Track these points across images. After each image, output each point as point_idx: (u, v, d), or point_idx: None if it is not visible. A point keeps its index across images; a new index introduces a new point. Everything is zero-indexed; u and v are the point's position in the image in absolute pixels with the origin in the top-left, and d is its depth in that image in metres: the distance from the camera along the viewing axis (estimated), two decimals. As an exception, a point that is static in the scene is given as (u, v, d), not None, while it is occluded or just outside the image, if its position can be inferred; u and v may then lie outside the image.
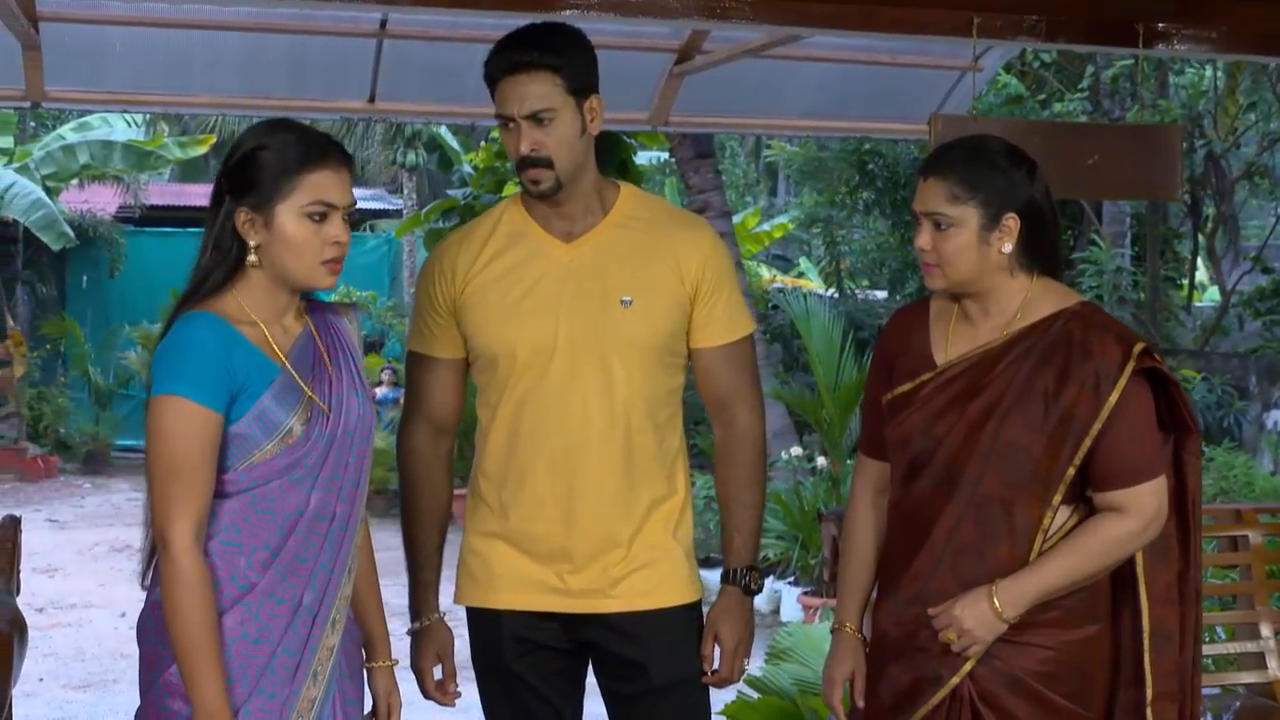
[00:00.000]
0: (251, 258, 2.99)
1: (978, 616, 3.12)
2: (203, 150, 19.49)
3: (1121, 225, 15.46)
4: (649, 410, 3.44)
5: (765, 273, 21.60)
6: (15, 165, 17.04)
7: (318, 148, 3.00)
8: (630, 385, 3.40)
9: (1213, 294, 20.44)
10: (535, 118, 3.31)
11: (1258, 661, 4.74)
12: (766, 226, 20.80)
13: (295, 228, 2.97)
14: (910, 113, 6.24)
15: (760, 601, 10.55)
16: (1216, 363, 14.38)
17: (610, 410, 3.39)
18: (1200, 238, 16.52)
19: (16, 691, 8.14)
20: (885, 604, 3.33)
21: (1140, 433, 3.14)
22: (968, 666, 3.17)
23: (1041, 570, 3.13)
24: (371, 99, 6.02)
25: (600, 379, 3.39)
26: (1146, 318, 14.77)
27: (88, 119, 18.21)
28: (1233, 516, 4.87)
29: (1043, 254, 3.24)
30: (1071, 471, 3.13)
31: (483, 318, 3.43)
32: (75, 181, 18.01)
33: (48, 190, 16.96)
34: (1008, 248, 3.17)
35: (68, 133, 18.00)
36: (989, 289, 3.21)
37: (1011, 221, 3.16)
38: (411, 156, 20.70)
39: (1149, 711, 3.22)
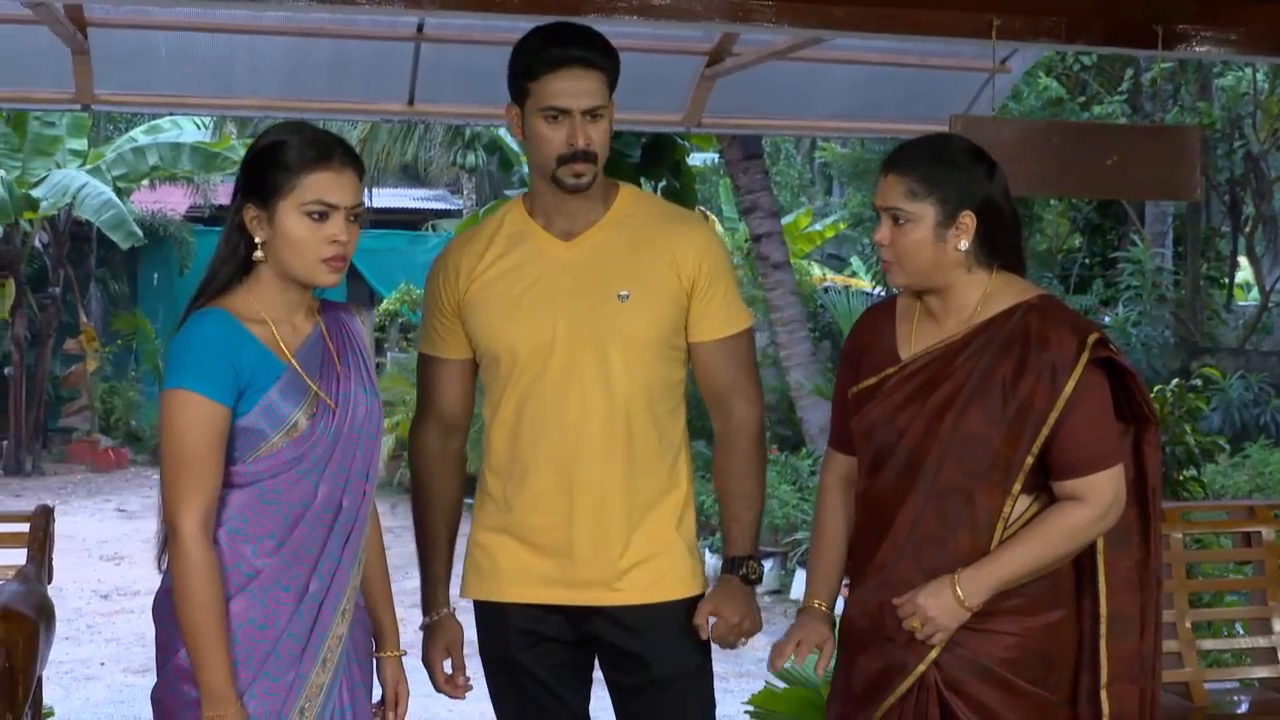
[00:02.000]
0: (258, 254, 3.02)
1: (941, 605, 3.12)
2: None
3: (1164, 225, 15.34)
4: (649, 403, 3.42)
5: (817, 271, 21.53)
6: (88, 167, 17.14)
7: (322, 148, 3.01)
8: (630, 378, 3.39)
9: (1258, 294, 20.23)
10: (592, 113, 3.33)
11: (1269, 656, 4.69)
12: (818, 226, 20.74)
13: (295, 226, 2.99)
14: (939, 115, 6.15)
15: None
16: (1256, 361, 14.25)
17: (610, 403, 3.38)
18: (1240, 238, 16.35)
19: (78, 674, 8.32)
20: (853, 594, 3.32)
21: (1096, 422, 3.14)
22: (933, 654, 3.17)
23: (1003, 558, 3.13)
24: (410, 101, 6.01)
25: (599, 372, 3.37)
26: (1187, 315, 14.63)
27: (158, 122, 18.34)
28: (1246, 513, 4.82)
29: (1002, 249, 3.24)
30: (1030, 460, 3.13)
31: (485, 317, 3.43)
32: (146, 182, 18.14)
33: (119, 191, 17.03)
34: (964, 245, 3.17)
35: (139, 135, 18.10)
36: (946, 284, 3.22)
37: (968, 219, 3.16)
38: (471, 158, 20.73)
39: (1104, 694, 3.20)
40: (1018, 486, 3.14)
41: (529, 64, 3.34)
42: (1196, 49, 4.97)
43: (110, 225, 16.53)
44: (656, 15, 4.56)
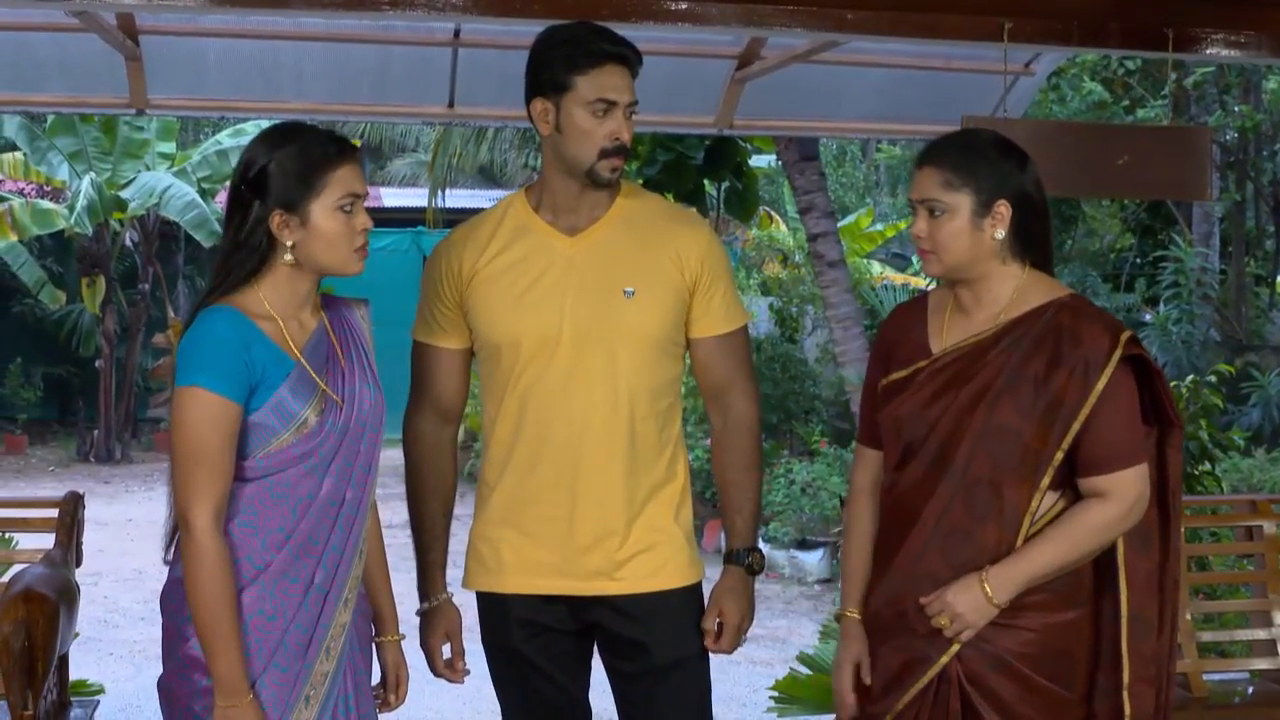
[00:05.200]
0: (288, 256, 3.01)
1: (970, 602, 3.07)
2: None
3: (1210, 225, 15.15)
4: (650, 399, 3.38)
5: (876, 269, 21.44)
6: (174, 169, 17.29)
7: (336, 146, 3.02)
8: (633, 374, 3.35)
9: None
10: (631, 109, 3.32)
11: (1269, 649, 4.62)
12: (879, 226, 20.63)
13: (330, 222, 2.99)
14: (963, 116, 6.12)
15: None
16: (1297, 359, 14.04)
17: (613, 399, 3.34)
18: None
19: (150, 654, 8.40)
20: (877, 585, 3.26)
21: (1124, 420, 3.08)
22: (955, 647, 3.11)
23: (1030, 555, 3.07)
24: (450, 104, 6.00)
25: (604, 368, 3.33)
26: (1232, 314, 14.43)
27: (242, 126, 18.42)
28: (1248, 507, 4.75)
29: (1034, 244, 3.19)
30: (1059, 455, 3.07)
31: (489, 309, 3.38)
32: (229, 184, 18.24)
33: (203, 192, 17.14)
34: (1000, 234, 3.13)
35: (224, 138, 18.21)
36: (981, 275, 3.17)
37: (1003, 208, 3.12)
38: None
39: (1125, 695, 3.14)
40: (1046, 481, 3.09)
41: (573, 57, 3.27)
42: (1207, 52, 4.87)
43: (194, 225, 16.65)
44: (673, 19, 4.53)
